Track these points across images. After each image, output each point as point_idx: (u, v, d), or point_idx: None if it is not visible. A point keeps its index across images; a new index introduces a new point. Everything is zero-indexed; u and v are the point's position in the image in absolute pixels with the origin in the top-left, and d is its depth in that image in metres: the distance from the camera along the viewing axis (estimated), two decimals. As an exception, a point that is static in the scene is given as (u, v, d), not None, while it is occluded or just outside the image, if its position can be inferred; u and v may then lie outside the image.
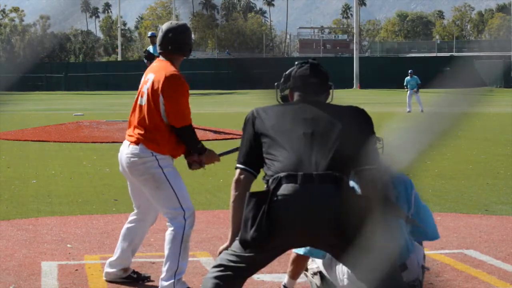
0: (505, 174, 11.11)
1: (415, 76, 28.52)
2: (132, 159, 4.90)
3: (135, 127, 4.97)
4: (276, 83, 3.89)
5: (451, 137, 14.25)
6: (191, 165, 5.10)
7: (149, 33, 18.97)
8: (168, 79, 4.85)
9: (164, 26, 5.08)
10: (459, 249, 6.30)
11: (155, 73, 4.95)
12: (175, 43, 5.01)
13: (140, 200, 5.15)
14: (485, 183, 10.17)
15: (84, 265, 5.77)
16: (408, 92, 28.35)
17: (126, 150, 4.95)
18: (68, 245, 6.41)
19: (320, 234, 3.42)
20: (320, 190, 3.39)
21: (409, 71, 28.95)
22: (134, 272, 5.36)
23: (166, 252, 4.87)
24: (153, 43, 18.20)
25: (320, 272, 4.51)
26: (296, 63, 3.87)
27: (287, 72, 3.86)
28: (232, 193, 3.66)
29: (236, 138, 15.24)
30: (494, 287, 5.21)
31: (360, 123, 3.61)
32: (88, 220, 7.56)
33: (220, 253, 3.66)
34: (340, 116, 3.61)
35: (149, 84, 4.93)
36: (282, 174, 3.42)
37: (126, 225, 5.28)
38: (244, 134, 3.69)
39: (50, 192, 9.37)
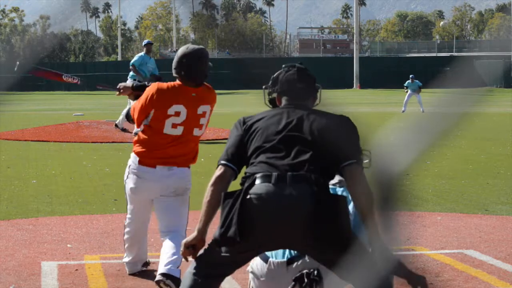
0: (505, 174, 11.11)
1: (417, 81, 27.67)
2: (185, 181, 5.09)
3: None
4: (264, 86, 3.89)
5: (451, 137, 14.23)
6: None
7: (145, 41, 17.60)
8: None
9: (180, 51, 4.99)
10: (459, 249, 6.30)
11: None
12: (189, 69, 4.97)
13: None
14: (485, 183, 10.17)
15: (84, 265, 5.77)
16: (408, 93, 27.61)
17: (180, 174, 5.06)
18: (68, 245, 6.41)
19: (293, 234, 3.42)
20: (293, 190, 3.40)
21: (411, 76, 27.97)
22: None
23: (170, 250, 4.86)
24: (148, 51, 16.89)
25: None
26: (283, 66, 3.88)
27: (274, 75, 3.87)
28: (208, 188, 3.62)
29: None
30: (494, 287, 5.21)
31: (343, 130, 3.61)
32: (88, 220, 7.56)
33: (184, 245, 3.62)
34: (323, 121, 3.62)
35: None
36: (258, 174, 3.46)
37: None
38: (231, 135, 3.71)
39: (50, 192, 9.36)
